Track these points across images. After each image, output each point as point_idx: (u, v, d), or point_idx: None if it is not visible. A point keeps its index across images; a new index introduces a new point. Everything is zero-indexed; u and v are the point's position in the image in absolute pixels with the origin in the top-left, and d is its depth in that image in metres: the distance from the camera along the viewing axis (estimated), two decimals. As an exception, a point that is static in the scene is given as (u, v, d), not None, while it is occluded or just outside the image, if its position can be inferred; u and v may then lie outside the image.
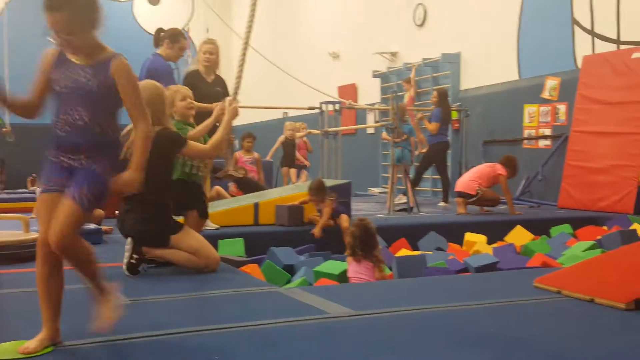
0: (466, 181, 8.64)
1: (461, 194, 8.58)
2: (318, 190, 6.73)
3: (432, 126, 10.16)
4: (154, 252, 4.41)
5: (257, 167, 10.03)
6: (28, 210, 7.47)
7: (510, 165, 8.62)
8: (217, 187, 8.38)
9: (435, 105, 10.39)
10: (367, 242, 5.15)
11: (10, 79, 12.83)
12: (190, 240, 4.42)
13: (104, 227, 6.42)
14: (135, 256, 4.35)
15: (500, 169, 8.54)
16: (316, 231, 6.61)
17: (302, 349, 2.65)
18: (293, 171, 11.55)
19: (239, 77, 4.82)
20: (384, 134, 9.27)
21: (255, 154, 10.08)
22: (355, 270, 5.12)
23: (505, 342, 2.74)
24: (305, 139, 12.12)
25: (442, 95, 10.43)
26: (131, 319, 3.17)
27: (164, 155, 4.26)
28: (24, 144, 17.17)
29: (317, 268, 5.36)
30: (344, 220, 6.77)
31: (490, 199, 8.62)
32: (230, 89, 5.07)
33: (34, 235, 5.06)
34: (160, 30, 6.60)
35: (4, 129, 12.25)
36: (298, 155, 11.75)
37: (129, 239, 4.39)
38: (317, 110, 10.73)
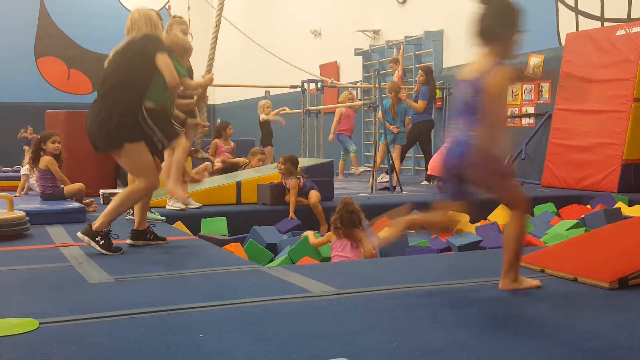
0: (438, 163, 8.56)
1: (436, 178, 8.54)
2: (288, 162, 6.85)
3: (419, 105, 10.12)
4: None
5: (232, 155, 9.97)
6: (7, 189, 7.38)
7: None
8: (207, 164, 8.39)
9: (421, 84, 10.34)
10: (348, 218, 5.15)
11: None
12: (139, 158, 4.31)
13: (86, 201, 6.41)
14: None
15: None
16: (290, 214, 6.66)
17: (286, 328, 2.63)
18: (269, 150, 11.34)
19: (212, 52, 4.98)
20: (380, 114, 9.22)
21: (232, 143, 9.99)
22: (336, 247, 5.12)
23: (489, 320, 2.73)
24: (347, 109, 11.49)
25: (428, 73, 10.38)
26: (115, 297, 3.16)
27: (144, 54, 4.30)
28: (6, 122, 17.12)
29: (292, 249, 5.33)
30: (313, 196, 6.85)
31: None
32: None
33: (18, 213, 5.02)
34: None
35: None
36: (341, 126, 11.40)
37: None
38: (298, 89, 10.65)
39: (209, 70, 5.00)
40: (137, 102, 4.34)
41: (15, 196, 5.73)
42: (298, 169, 6.95)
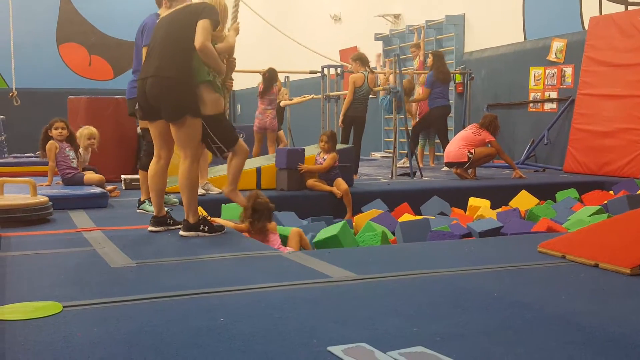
0: (455, 150, 8.56)
1: (454, 164, 8.55)
2: (330, 138, 7.12)
3: (423, 93, 10.24)
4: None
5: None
6: (34, 174, 7.46)
7: (492, 126, 8.57)
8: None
9: (431, 68, 10.34)
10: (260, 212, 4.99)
11: (15, 45, 12.89)
12: (195, 132, 4.39)
13: (109, 188, 6.46)
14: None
15: (488, 136, 8.50)
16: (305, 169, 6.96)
17: (306, 312, 2.64)
18: (281, 134, 11.29)
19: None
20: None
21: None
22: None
23: (509, 306, 2.72)
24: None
25: (437, 57, 10.36)
26: (137, 281, 3.19)
27: (193, 20, 4.29)
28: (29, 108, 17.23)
29: (316, 239, 5.30)
30: (343, 183, 6.91)
31: (485, 155, 8.57)
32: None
33: (41, 198, 5.08)
34: None
35: (10, 94, 12.29)
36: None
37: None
38: (318, 74, 10.62)
39: (235, 18, 4.95)
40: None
41: (40, 185, 5.92)
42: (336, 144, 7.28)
